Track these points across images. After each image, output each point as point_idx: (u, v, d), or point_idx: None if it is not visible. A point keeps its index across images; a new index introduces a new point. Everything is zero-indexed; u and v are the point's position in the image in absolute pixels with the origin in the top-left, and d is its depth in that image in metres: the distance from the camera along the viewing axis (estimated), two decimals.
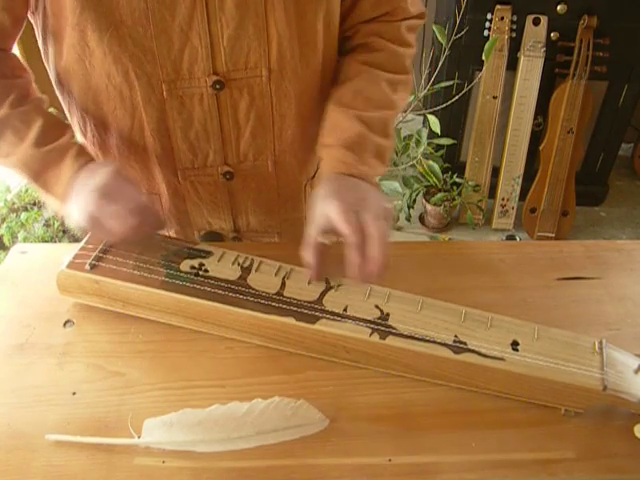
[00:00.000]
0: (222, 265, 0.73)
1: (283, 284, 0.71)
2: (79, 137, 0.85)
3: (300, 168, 0.91)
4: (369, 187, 0.74)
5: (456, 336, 0.66)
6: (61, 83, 0.80)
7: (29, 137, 0.73)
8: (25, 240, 1.85)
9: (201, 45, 0.72)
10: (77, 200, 0.70)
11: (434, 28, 1.68)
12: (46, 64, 0.81)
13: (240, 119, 0.79)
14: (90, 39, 0.70)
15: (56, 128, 0.75)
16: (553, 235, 2.55)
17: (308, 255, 0.70)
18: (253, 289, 0.70)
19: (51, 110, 0.80)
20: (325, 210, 0.69)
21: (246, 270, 0.72)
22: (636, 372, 0.63)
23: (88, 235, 0.76)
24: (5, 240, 1.83)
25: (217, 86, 0.75)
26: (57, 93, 0.83)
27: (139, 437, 0.59)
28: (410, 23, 0.85)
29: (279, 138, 0.83)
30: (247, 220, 0.92)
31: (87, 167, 0.72)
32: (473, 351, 0.64)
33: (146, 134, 0.79)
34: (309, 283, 0.71)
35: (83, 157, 0.73)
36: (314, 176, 0.95)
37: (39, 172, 0.73)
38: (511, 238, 2.55)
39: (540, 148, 2.44)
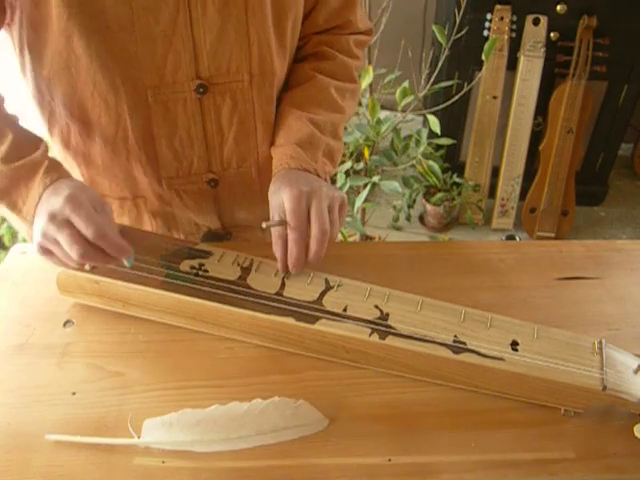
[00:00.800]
0: (222, 265, 0.73)
1: (283, 284, 0.71)
2: (61, 147, 0.83)
3: None
4: (320, 179, 0.76)
5: (456, 336, 0.66)
6: (41, 93, 0.78)
7: None
8: (25, 240, 1.85)
9: (184, 50, 0.73)
10: (36, 222, 0.66)
11: (434, 28, 1.68)
12: (23, 77, 0.79)
13: (223, 124, 0.81)
14: (76, 46, 0.70)
15: (28, 143, 0.71)
16: (553, 235, 2.55)
17: (274, 248, 0.72)
18: (253, 289, 0.70)
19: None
20: (279, 199, 0.71)
21: (246, 270, 0.73)
22: (636, 372, 0.63)
23: None
24: (5, 240, 1.84)
25: (200, 90, 0.76)
26: (34, 105, 0.81)
27: (139, 437, 0.59)
28: (358, 38, 0.91)
29: (262, 144, 0.84)
30: (232, 219, 0.94)
31: (54, 185, 0.67)
32: (473, 351, 0.64)
33: (130, 142, 0.79)
34: (275, 275, 0.72)
35: (55, 172, 0.69)
36: None
37: (6, 189, 0.68)
38: (511, 238, 2.55)
39: (540, 148, 2.44)
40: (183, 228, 0.92)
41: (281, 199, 0.71)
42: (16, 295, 0.77)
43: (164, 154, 0.81)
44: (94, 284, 0.71)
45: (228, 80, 0.77)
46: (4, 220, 1.89)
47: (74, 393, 0.64)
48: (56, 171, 0.70)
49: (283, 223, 0.70)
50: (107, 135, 0.79)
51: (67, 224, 0.63)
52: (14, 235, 1.85)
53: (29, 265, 0.82)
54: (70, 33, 0.69)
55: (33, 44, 0.73)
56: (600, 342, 0.65)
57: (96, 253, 0.64)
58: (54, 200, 0.65)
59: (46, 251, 0.66)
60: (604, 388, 0.60)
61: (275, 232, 0.72)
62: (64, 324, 0.73)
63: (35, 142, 0.72)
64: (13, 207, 0.69)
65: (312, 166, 0.77)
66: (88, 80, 0.73)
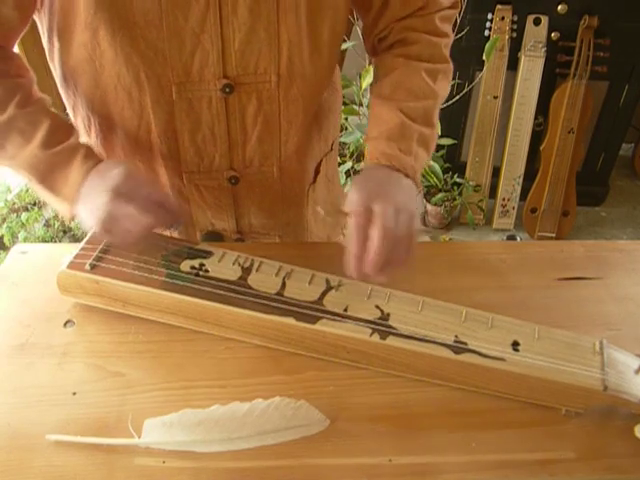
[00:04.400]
0: (222, 265, 0.73)
1: (283, 284, 0.71)
2: (83, 136, 0.84)
3: (303, 173, 0.91)
4: (408, 185, 0.74)
5: (456, 336, 0.66)
6: (67, 82, 0.79)
7: (36, 138, 0.71)
8: (25, 240, 1.86)
9: (212, 48, 0.72)
10: (87, 202, 0.69)
11: None
12: (50, 63, 0.80)
13: (247, 124, 0.80)
14: (102, 39, 0.70)
15: (63, 129, 0.74)
16: (554, 235, 2.55)
17: (350, 241, 0.68)
18: (253, 289, 0.70)
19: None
20: (358, 195, 0.69)
21: (246, 270, 0.72)
22: (636, 372, 0.63)
23: (89, 235, 0.76)
24: (5, 240, 1.84)
25: (227, 89, 0.75)
26: (61, 92, 0.82)
27: (139, 437, 0.59)
28: (443, 14, 0.85)
29: (285, 144, 0.83)
30: (250, 222, 0.92)
31: (97, 168, 0.71)
32: (473, 351, 0.64)
33: (153, 135, 0.79)
34: (276, 275, 0.71)
35: (92, 158, 0.72)
36: (315, 181, 0.95)
37: (46, 174, 0.72)
38: (512, 238, 2.55)
39: (541, 148, 2.44)
40: (199, 227, 0.92)
41: (349, 198, 0.69)
42: (16, 295, 0.77)
43: (186, 149, 0.80)
44: (94, 284, 0.71)
45: (255, 80, 0.76)
46: (4, 220, 1.89)
47: (74, 393, 0.64)
48: (94, 156, 0.73)
49: (364, 214, 0.67)
50: (129, 128, 0.79)
51: (134, 196, 0.67)
52: (14, 235, 1.86)
53: (29, 265, 0.82)
54: (96, 26, 0.69)
55: (61, 32, 0.73)
56: (601, 342, 0.65)
57: (164, 216, 0.69)
58: (109, 178, 0.68)
59: (108, 228, 0.68)
60: (605, 388, 0.60)
61: (354, 223, 0.68)
62: (64, 324, 0.73)
63: (69, 128, 0.75)
64: (52, 190, 0.72)
65: (402, 162, 0.74)
66: (112, 73, 0.73)
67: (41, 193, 0.75)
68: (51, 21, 0.73)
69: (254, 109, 0.78)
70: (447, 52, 0.85)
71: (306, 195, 0.94)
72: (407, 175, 0.75)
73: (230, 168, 0.84)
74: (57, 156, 0.71)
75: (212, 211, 0.89)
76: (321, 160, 0.95)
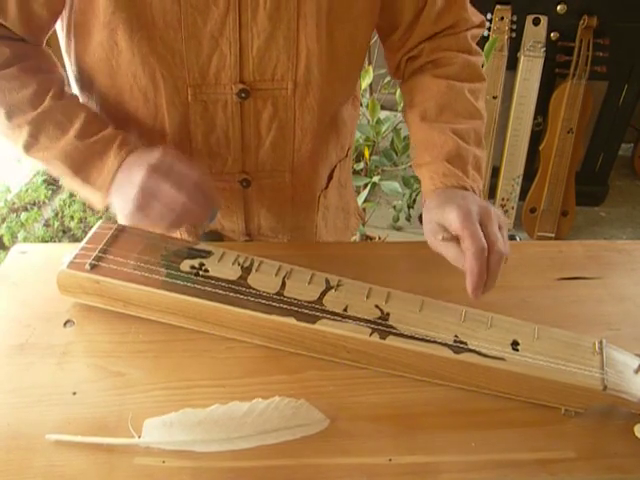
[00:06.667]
0: (222, 265, 0.73)
1: (283, 284, 0.71)
2: None
3: (316, 179, 0.91)
4: (480, 198, 0.71)
5: (456, 336, 0.66)
6: (82, 79, 0.80)
7: (72, 130, 0.72)
8: (25, 240, 1.86)
9: (230, 53, 0.72)
10: (123, 185, 0.70)
11: None
12: (67, 58, 0.81)
13: (262, 129, 0.80)
14: (120, 39, 0.70)
15: (99, 120, 0.75)
16: (553, 235, 2.55)
17: (465, 264, 0.64)
18: (253, 289, 0.70)
19: None
20: (442, 218, 0.67)
21: (246, 270, 0.72)
22: (636, 372, 0.63)
23: (89, 235, 0.76)
24: (5, 240, 1.84)
25: (242, 94, 0.75)
26: (75, 88, 0.82)
27: (139, 437, 0.59)
28: (474, 33, 0.84)
29: (299, 151, 0.83)
30: (259, 225, 0.92)
31: (133, 154, 0.71)
32: (473, 351, 0.64)
33: (166, 136, 0.79)
34: (276, 275, 0.71)
35: (128, 145, 0.72)
36: (327, 186, 0.95)
37: (81, 164, 0.72)
38: (511, 238, 2.55)
39: (540, 148, 2.44)
40: (209, 228, 0.92)
41: (449, 217, 0.66)
42: (16, 295, 0.77)
43: (199, 150, 0.80)
44: (94, 284, 0.71)
45: (271, 87, 0.76)
46: (4, 220, 1.89)
47: (74, 393, 0.64)
48: (130, 143, 0.73)
49: (456, 239, 0.66)
50: (143, 128, 0.79)
51: (172, 171, 0.68)
52: (14, 235, 1.85)
53: (29, 265, 0.82)
54: (114, 26, 0.69)
55: (80, 30, 0.73)
56: (600, 342, 0.65)
57: (201, 199, 0.69)
58: (147, 157, 0.69)
59: (142, 205, 0.68)
60: (605, 388, 0.60)
61: (451, 249, 0.66)
62: (64, 324, 0.73)
63: (104, 120, 0.76)
64: (87, 180, 0.73)
65: (467, 183, 0.72)
66: (128, 73, 0.73)
67: (74, 184, 0.75)
68: (70, 18, 0.74)
69: (269, 115, 0.78)
70: (482, 71, 0.84)
71: (317, 200, 0.94)
72: (473, 192, 0.72)
73: (242, 171, 0.84)
74: (93, 146, 0.72)
75: (222, 212, 0.89)
76: (335, 166, 0.95)
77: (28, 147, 0.73)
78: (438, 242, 0.67)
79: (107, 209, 0.74)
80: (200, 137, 0.79)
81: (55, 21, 0.75)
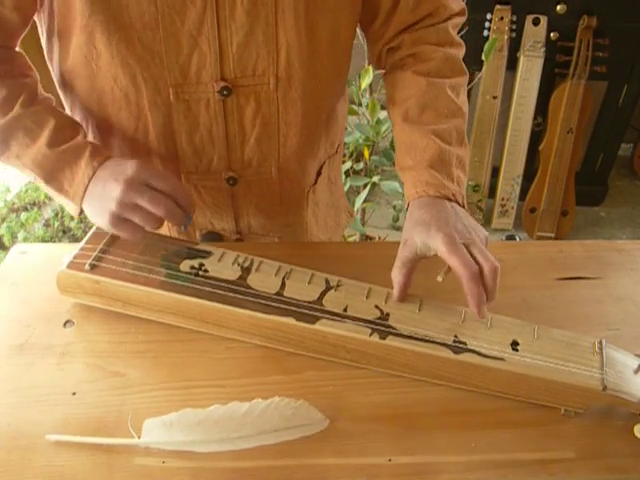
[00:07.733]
0: (222, 265, 0.73)
1: (283, 284, 0.71)
2: None
3: (303, 175, 0.91)
4: (463, 212, 0.72)
5: (456, 336, 0.66)
6: (64, 83, 0.79)
7: (42, 137, 0.71)
8: (25, 240, 1.86)
9: (210, 51, 0.72)
10: (96, 198, 0.69)
11: None
12: (49, 63, 0.80)
13: (246, 125, 0.79)
14: (98, 41, 0.70)
15: (69, 127, 0.74)
16: (553, 235, 2.55)
17: (398, 275, 0.69)
18: (253, 289, 0.70)
19: None
20: (428, 241, 0.67)
21: (246, 270, 0.72)
22: (636, 372, 0.63)
23: (89, 235, 0.76)
24: (5, 240, 1.84)
25: (224, 92, 0.75)
26: (59, 92, 0.83)
27: (139, 437, 0.59)
28: (455, 22, 0.83)
29: (284, 145, 0.83)
30: (249, 223, 0.92)
31: (104, 165, 0.71)
32: (473, 351, 0.64)
33: (150, 137, 0.79)
34: (275, 275, 0.71)
35: (99, 156, 0.72)
36: (316, 182, 0.95)
37: (52, 173, 0.72)
38: (511, 238, 2.55)
39: (540, 148, 2.44)
40: (199, 227, 0.92)
41: (435, 243, 0.66)
42: (16, 295, 0.77)
43: (184, 150, 0.80)
44: (94, 284, 0.71)
45: (253, 83, 0.75)
46: (3, 220, 1.89)
47: (74, 393, 0.64)
48: (101, 153, 0.72)
49: (450, 271, 0.67)
50: (127, 129, 0.79)
51: (147, 186, 0.68)
52: (14, 235, 1.85)
53: (29, 265, 0.82)
54: (92, 29, 0.69)
55: (59, 34, 0.73)
56: (600, 342, 0.65)
57: (175, 210, 0.69)
58: (121, 170, 0.68)
59: (121, 221, 0.68)
60: (604, 388, 0.60)
61: (467, 280, 0.65)
62: (64, 324, 0.73)
63: (75, 126, 0.76)
64: (60, 189, 0.72)
65: (450, 190, 0.72)
66: (108, 75, 0.73)
67: (49, 191, 0.75)
68: (50, 23, 0.74)
69: (252, 111, 0.78)
70: (462, 63, 0.84)
71: (306, 196, 0.94)
72: (457, 202, 0.73)
73: (228, 169, 0.84)
74: (63, 155, 0.71)
75: (211, 211, 0.89)
76: (324, 162, 0.95)
77: (0, 154, 0.73)
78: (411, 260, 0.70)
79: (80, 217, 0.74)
80: (184, 137, 0.79)
81: (27, 25, 0.74)
